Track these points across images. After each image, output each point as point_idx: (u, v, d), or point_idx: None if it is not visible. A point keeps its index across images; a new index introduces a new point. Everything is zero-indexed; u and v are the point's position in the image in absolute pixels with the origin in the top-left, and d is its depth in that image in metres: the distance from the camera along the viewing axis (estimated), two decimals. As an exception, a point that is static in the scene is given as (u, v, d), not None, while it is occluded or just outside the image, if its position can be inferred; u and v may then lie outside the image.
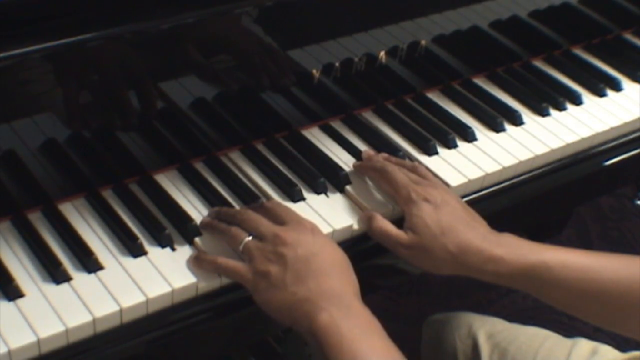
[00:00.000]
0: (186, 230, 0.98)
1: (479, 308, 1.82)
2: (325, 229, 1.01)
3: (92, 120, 1.00)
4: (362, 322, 0.86)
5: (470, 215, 1.00)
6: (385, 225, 1.00)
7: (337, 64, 1.16)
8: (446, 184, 1.10)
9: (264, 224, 0.94)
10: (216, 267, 0.93)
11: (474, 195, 1.13)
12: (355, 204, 1.05)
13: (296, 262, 0.88)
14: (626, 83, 1.36)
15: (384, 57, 1.20)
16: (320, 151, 1.13)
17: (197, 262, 0.93)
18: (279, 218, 0.95)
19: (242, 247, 0.92)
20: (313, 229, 0.94)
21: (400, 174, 1.03)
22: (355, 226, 1.03)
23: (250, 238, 0.93)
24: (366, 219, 1.02)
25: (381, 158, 1.09)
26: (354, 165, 1.10)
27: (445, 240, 0.95)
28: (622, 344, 1.16)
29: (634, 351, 1.10)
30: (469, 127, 1.20)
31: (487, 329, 1.18)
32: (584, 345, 1.14)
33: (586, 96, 1.31)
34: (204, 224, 0.98)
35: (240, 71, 1.10)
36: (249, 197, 1.04)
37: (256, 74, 1.11)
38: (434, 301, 1.86)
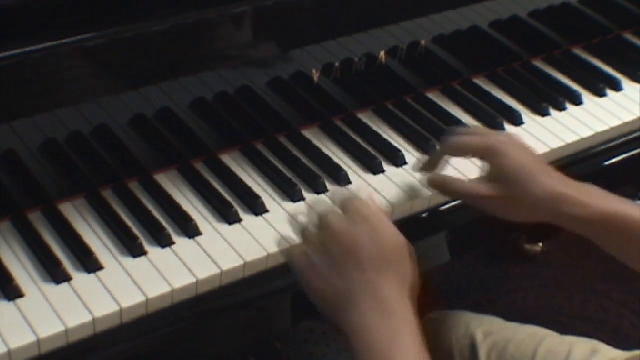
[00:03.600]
0: (186, 230, 0.98)
1: (479, 308, 1.82)
2: (325, 229, 1.01)
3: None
4: (395, 321, 0.84)
5: (544, 161, 1.02)
6: (463, 183, 1.04)
7: (337, 64, 1.16)
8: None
9: (327, 215, 0.90)
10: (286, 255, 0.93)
11: (474, 195, 1.13)
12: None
13: (340, 254, 0.86)
14: (626, 83, 1.36)
15: (384, 57, 1.20)
16: (321, 151, 1.13)
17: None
18: (344, 207, 0.91)
19: (302, 235, 0.92)
20: (373, 225, 0.88)
21: (475, 136, 1.03)
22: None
23: (309, 228, 0.92)
24: (439, 184, 1.03)
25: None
26: (429, 182, 1.06)
27: (531, 185, 0.96)
28: (622, 344, 1.16)
29: (635, 350, 1.10)
30: (469, 127, 1.20)
31: (484, 328, 1.18)
32: (583, 344, 1.13)
33: (586, 96, 1.31)
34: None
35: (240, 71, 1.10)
36: (249, 197, 1.04)
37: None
38: (434, 301, 1.86)
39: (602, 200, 0.96)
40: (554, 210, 0.96)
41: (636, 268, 0.99)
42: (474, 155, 1.03)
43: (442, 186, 1.03)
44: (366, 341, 0.83)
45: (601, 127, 1.25)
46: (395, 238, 0.89)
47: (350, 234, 0.87)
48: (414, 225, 1.07)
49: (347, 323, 0.84)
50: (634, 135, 1.29)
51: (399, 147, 1.15)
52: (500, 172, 0.98)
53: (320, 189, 1.07)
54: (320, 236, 0.89)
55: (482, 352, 1.14)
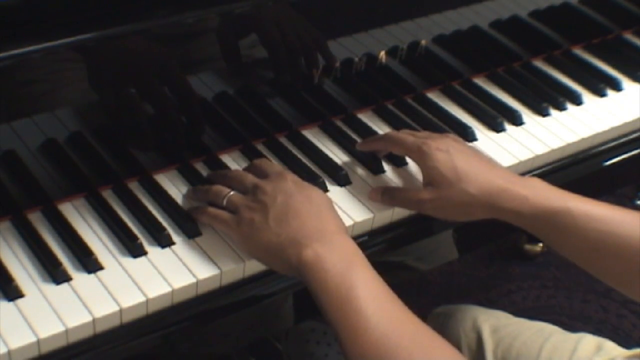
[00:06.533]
0: (186, 230, 0.98)
1: (479, 308, 1.82)
2: (325, 229, 1.00)
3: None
4: (345, 255, 0.88)
5: (486, 160, 1.02)
6: (400, 189, 1.05)
7: (337, 64, 1.16)
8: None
9: (247, 178, 0.98)
10: (206, 217, 0.97)
11: (474, 195, 1.13)
12: (355, 204, 1.05)
13: (277, 207, 0.92)
14: (626, 83, 1.36)
15: (384, 57, 1.20)
16: (320, 151, 1.13)
17: (199, 214, 0.98)
18: (262, 172, 0.99)
19: (225, 201, 0.96)
20: (294, 179, 0.97)
21: (405, 134, 1.06)
22: (355, 226, 1.03)
23: (233, 192, 0.97)
24: (380, 194, 1.04)
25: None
26: (357, 146, 1.12)
27: (464, 185, 0.97)
28: (622, 344, 1.16)
29: (638, 348, 1.10)
30: (469, 127, 1.20)
31: (491, 322, 1.18)
32: (589, 341, 1.14)
33: (586, 96, 1.31)
34: (188, 193, 1.03)
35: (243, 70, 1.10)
36: (249, 197, 1.04)
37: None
38: (434, 301, 1.86)
39: (545, 195, 0.96)
40: (492, 206, 0.96)
41: (577, 262, 0.98)
42: (406, 154, 1.06)
43: (384, 196, 1.04)
44: (322, 268, 0.86)
45: (601, 127, 1.25)
46: (319, 191, 0.97)
47: (282, 189, 0.93)
48: (421, 223, 1.07)
49: (301, 266, 0.87)
50: (634, 135, 1.29)
51: (399, 147, 1.15)
52: (429, 175, 1.00)
53: (320, 189, 1.06)
54: (248, 197, 0.94)
55: (488, 347, 1.15)
